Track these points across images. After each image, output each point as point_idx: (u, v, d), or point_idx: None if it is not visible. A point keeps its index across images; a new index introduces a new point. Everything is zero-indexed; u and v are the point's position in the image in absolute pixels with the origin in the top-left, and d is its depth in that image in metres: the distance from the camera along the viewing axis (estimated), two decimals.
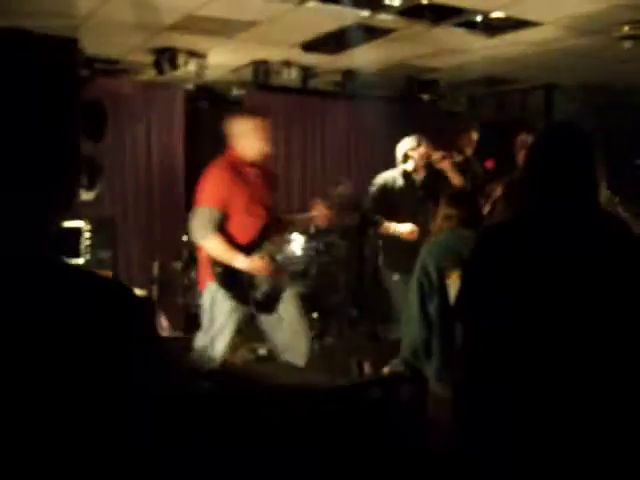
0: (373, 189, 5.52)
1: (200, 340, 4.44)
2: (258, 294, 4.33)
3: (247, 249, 4.24)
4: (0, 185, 0.96)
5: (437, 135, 5.90)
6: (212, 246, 4.21)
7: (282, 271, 4.50)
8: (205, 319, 4.42)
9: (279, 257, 4.48)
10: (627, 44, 5.92)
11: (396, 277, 5.33)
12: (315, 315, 6.53)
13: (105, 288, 1.02)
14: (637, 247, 2.25)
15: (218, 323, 4.34)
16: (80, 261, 4.02)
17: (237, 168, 4.30)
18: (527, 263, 2.23)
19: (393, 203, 5.37)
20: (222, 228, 4.21)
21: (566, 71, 7.48)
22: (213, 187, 4.24)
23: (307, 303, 6.40)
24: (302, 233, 6.55)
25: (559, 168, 2.27)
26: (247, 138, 4.31)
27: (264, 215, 4.34)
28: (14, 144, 0.97)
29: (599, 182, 2.27)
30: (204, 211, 4.22)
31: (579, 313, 2.16)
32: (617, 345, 2.14)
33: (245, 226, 4.27)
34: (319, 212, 4.63)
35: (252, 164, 4.35)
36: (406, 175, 5.46)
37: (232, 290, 4.27)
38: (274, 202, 4.58)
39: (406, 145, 5.50)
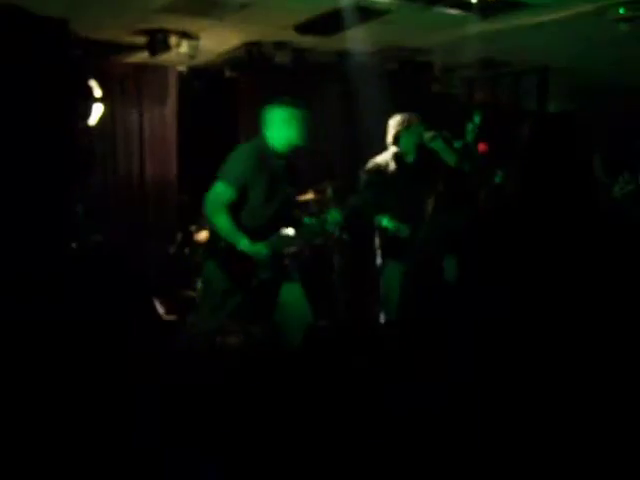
0: (364, 176, 5.41)
1: (193, 320, 4.44)
2: (256, 280, 4.32)
3: (256, 235, 4.23)
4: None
5: (431, 117, 5.86)
6: (221, 223, 4.20)
7: (286, 263, 4.50)
8: (200, 298, 4.43)
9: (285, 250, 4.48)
10: (623, 26, 5.89)
11: (389, 261, 5.32)
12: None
13: None
14: (623, 238, 2.28)
15: (211, 302, 4.34)
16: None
17: (263, 154, 4.29)
18: (519, 253, 2.28)
19: (386, 188, 5.28)
20: (236, 209, 4.20)
21: (560, 54, 7.46)
22: (237, 167, 4.23)
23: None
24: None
25: (553, 159, 2.29)
26: (279, 128, 4.29)
27: (280, 206, 4.34)
28: (12, 123, 0.96)
29: (591, 172, 2.29)
30: (222, 187, 4.21)
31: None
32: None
33: (258, 213, 4.27)
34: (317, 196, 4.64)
35: (280, 155, 4.33)
36: (398, 158, 5.35)
37: (231, 271, 4.26)
38: (293, 197, 4.58)
39: (396, 126, 5.38)
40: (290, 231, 4.71)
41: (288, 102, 4.41)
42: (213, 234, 4.35)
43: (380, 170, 5.33)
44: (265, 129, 4.35)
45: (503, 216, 2.43)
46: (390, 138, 5.38)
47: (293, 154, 4.44)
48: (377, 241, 5.53)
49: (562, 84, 8.54)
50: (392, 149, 5.36)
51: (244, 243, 4.17)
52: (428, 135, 5.19)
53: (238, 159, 4.26)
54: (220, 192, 4.20)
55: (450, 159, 5.12)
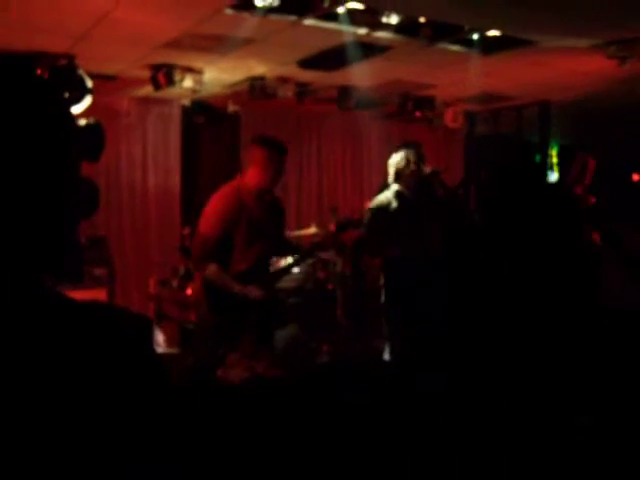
0: (368, 215, 5.41)
1: (194, 357, 4.44)
2: (250, 322, 4.33)
3: (246, 276, 4.25)
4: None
5: (433, 151, 5.89)
6: (210, 272, 4.21)
7: (279, 301, 4.53)
8: (197, 335, 4.45)
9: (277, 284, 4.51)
10: (620, 64, 5.98)
11: (393, 299, 5.30)
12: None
13: (100, 317, 1.01)
14: None
15: (202, 341, 4.37)
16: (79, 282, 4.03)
17: (244, 196, 4.29)
18: None
19: (389, 226, 5.26)
20: (223, 253, 4.21)
21: (561, 88, 7.52)
22: (217, 214, 4.23)
23: (303, 319, 6.38)
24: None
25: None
26: (258, 167, 4.29)
27: (265, 243, 4.34)
28: (11, 172, 0.96)
29: None
30: (205, 238, 4.22)
31: None
32: None
33: (246, 254, 4.27)
34: (316, 230, 4.66)
35: (260, 193, 4.34)
36: (400, 195, 5.33)
37: (224, 315, 4.27)
38: (281, 231, 4.59)
39: (395, 164, 5.37)
40: (289, 260, 4.74)
41: (270, 144, 4.37)
42: (204, 283, 4.35)
43: (383, 208, 5.32)
44: (247, 167, 4.36)
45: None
46: (391, 176, 5.37)
47: (272, 193, 4.44)
48: (381, 278, 5.53)
49: (563, 117, 8.60)
50: (394, 187, 5.35)
51: (236, 287, 4.19)
52: (427, 171, 5.23)
53: (216, 207, 4.26)
54: (204, 239, 4.22)
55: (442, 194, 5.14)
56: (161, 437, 1.00)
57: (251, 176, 4.31)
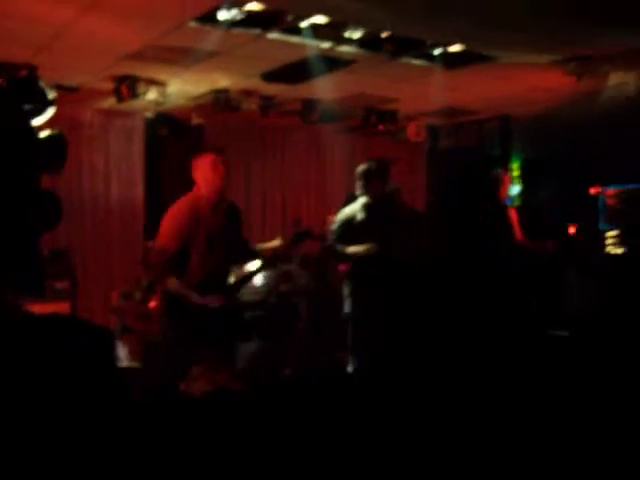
0: (335, 226, 5.46)
1: (156, 370, 4.42)
2: (211, 332, 4.33)
3: (205, 285, 4.26)
4: None
5: (396, 165, 5.94)
6: (169, 284, 4.24)
7: (240, 308, 4.54)
8: (160, 348, 4.44)
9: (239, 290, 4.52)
10: (579, 79, 6.10)
11: (357, 310, 5.32)
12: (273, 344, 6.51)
13: (62, 329, 1.00)
14: None
15: (165, 354, 4.36)
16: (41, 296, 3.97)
17: (197, 206, 4.33)
18: None
19: (355, 237, 5.30)
20: (181, 263, 4.23)
21: (522, 103, 7.64)
22: (173, 225, 4.28)
23: (266, 332, 6.37)
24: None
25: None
26: (203, 174, 4.36)
27: (224, 252, 4.37)
28: None
29: None
30: (163, 249, 4.25)
31: None
32: None
33: (205, 262, 4.30)
34: (280, 242, 4.68)
35: (215, 200, 4.38)
36: (367, 207, 5.39)
37: (184, 326, 4.27)
38: (239, 236, 4.62)
39: (361, 176, 5.42)
40: (255, 264, 4.74)
41: (201, 151, 4.52)
42: (163, 293, 4.39)
43: (348, 221, 5.38)
44: (196, 179, 4.42)
45: None
46: (358, 189, 5.43)
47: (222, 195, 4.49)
48: (345, 290, 5.54)
49: (524, 131, 8.73)
50: (361, 199, 5.41)
51: (195, 297, 4.21)
52: (390, 187, 5.30)
53: (172, 218, 4.32)
54: (161, 252, 4.27)
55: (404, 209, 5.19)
56: (121, 449, 1.00)
57: (201, 186, 4.37)
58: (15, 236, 1.02)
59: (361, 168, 5.43)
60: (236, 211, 4.65)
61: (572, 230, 4.77)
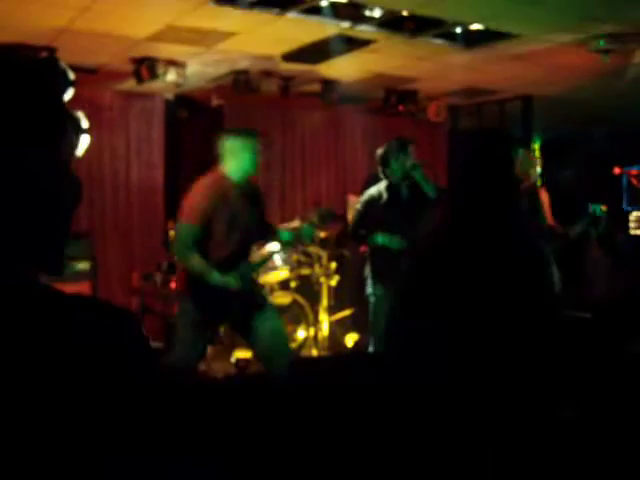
0: (358, 206, 5.47)
1: (173, 351, 4.44)
2: (230, 313, 4.35)
3: (225, 265, 4.26)
4: None
5: (416, 145, 5.89)
6: (191, 262, 4.23)
7: (259, 289, 4.54)
8: (177, 330, 4.44)
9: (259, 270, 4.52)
10: (604, 58, 5.98)
11: (379, 291, 5.31)
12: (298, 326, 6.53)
13: (91, 311, 1.00)
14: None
15: (183, 335, 4.36)
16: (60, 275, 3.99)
17: (222, 186, 4.30)
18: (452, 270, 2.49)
19: (379, 218, 5.29)
20: (202, 242, 4.23)
21: (543, 82, 7.55)
22: (196, 204, 4.25)
23: (289, 314, 6.39)
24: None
25: (466, 179, 2.45)
26: (236, 158, 4.32)
27: (245, 233, 4.36)
28: (7, 159, 0.95)
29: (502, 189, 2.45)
30: (186, 228, 4.24)
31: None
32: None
33: (226, 243, 4.29)
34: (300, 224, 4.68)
35: (240, 182, 4.36)
36: (391, 188, 5.36)
37: (203, 305, 4.28)
38: (262, 218, 4.60)
39: (382, 156, 5.39)
40: (275, 245, 4.75)
41: (241, 132, 4.48)
42: (185, 273, 4.36)
43: (373, 201, 5.35)
44: (222, 158, 4.38)
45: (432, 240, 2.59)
46: (380, 169, 5.40)
47: (251, 182, 4.47)
48: (367, 270, 5.52)
49: (546, 111, 8.64)
50: (384, 181, 5.39)
51: (215, 277, 4.20)
52: (409, 163, 5.21)
53: (195, 198, 4.29)
54: (185, 234, 4.24)
55: (428, 189, 5.13)
56: (151, 431, 1.00)
57: (229, 166, 4.33)
58: (50, 216, 1.02)
59: (381, 149, 5.39)
60: (258, 193, 4.63)
61: (604, 208, 4.71)
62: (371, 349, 5.50)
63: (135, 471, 0.95)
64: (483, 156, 2.51)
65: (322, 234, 6.74)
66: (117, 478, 0.93)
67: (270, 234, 4.79)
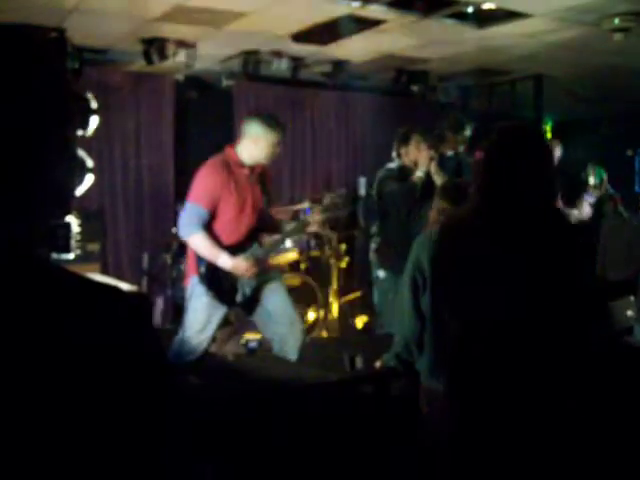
0: (372, 191, 5.52)
1: (180, 333, 4.44)
2: (239, 295, 4.34)
3: (234, 249, 4.26)
4: None
5: (427, 127, 5.87)
6: (197, 243, 4.22)
7: (267, 269, 4.53)
8: (186, 314, 4.44)
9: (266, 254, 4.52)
10: (617, 36, 5.90)
11: (382, 274, 5.31)
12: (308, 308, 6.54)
13: (99, 293, 1.00)
14: (572, 240, 2.46)
15: (193, 317, 4.36)
16: (70, 256, 3.99)
17: (231, 168, 4.28)
18: (484, 257, 2.40)
19: (391, 204, 5.31)
20: (210, 226, 4.22)
21: (556, 62, 7.48)
22: (205, 185, 4.23)
23: (299, 296, 6.40)
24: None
25: (505, 171, 2.40)
26: (255, 144, 4.28)
27: (253, 216, 4.35)
28: (14, 137, 0.95)
29: (547, 180, 2.38)
30: (193, 208, 4.21)
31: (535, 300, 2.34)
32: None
33: (233, 226, 4.27)
34: (312, 219, 4.66)
35: (250, 166, 4.33)
36: (403, 176, 5.37)
37: (212, 287, 4.28)
38: (268, 201, 4.58)
39: (397, 141, 5.41)
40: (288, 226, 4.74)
41: (269, 121, 4.34)
42: (193, 254, 4.34)
43: (389, 183, 5.39)
44: (241, 139, 4.34)
45: (467, 226, 2.53)
46: (394, 153, 5.44)
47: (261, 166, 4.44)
48: (372, 254, 5.54)
49: (557, 91, 8.56)
50: (397, 163, 5.42)
51: (224, 260, 4.19)
52: (423, 158, 5.28)
53: (204, 179, 4.25)
54: (193, 214, 4.20)
55: (439, 181, 5.12)
56: (155, 412, 1.00)
57: (245, 149, 4.30)
58: (55, 196, 1.02)
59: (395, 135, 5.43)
60: (265, 178, 4.61)
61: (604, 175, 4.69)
62: (378, 330, 5.53)
63: (138, 458, 0.96)
64: (532, 150, 2.47)
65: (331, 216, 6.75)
66: (120, 461, 0.94)
67: (275, 230, 4.75)
